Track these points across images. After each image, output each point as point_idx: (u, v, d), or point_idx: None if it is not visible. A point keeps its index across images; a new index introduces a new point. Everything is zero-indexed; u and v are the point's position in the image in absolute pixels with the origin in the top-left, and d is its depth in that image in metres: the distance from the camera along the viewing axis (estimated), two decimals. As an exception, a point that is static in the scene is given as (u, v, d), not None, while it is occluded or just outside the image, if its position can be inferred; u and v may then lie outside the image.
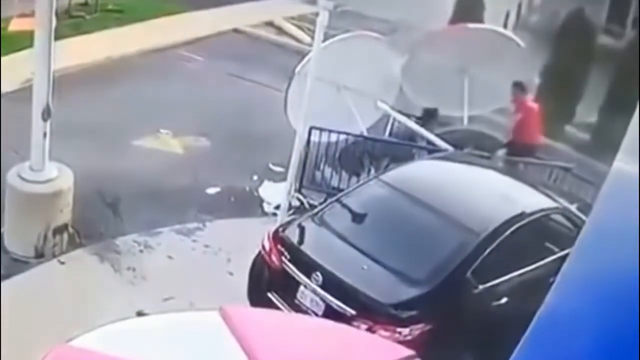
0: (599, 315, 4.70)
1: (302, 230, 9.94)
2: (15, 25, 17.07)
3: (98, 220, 11.99)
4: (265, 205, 13.27)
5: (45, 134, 10.71)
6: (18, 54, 15.50)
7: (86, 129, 14.02)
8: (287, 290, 9.45)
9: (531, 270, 9.71)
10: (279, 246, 9.61)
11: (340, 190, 11.57)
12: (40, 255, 11.03)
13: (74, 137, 13.08)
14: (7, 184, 10.93)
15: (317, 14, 10.95)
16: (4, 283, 10.48)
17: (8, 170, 11.09)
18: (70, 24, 18.35)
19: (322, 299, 9.10)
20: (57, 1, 10.52)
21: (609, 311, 4.70)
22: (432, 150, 13.28)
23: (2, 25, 16.89)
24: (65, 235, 11.23)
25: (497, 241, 9.49)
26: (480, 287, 9.28)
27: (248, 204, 13.27)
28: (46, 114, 10.58)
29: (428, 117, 15.32)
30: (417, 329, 8.71)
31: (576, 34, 17.27)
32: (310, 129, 12.83)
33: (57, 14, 10.60)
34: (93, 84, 16.05)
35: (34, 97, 10.61)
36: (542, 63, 17.43)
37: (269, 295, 9.60)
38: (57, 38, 10.61)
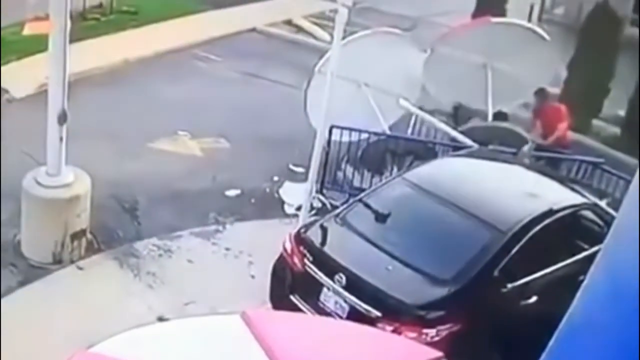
0: (631, 316, 4.50)
1: (324, 231, 9.81)
2: (30, 29, 16.99)
3: (116, 224, 11.95)
4: (286, 207, 13.17)
5: (61, 138, 10.66)
6: (33, 57, 15.47)
7: (103, 132, 14.01)
8: (310, 293, 9.33)
9: (560, 268, 9.56)
10: (301, 248, 9.50)
11: (363, 190, 11.44)
12: (58, 261, 10.98)
13: (90, 140, 13.04)
14: (24, 190, 10.85)
15: (336, 11, 10.79)
16: (23, 290, 10.49)
17: (25, 176, 10.98)
18: (85, 26, 18.32)
19: (346, 301, 8.99)
20: (72, 3, 10.38)
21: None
22: (456, 148, 13.08)
23: (17, 29, 16.83)
24: (84, 241, 11.17)
25: (525, 239, 9.35)
26: (509, 285, 9.16)
27: (269, 206, 13.17)
28: (62, 118, 10.52)
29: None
30: (444, 330, 8.59)
31: (602, 25, 17.02)
32: (331, 128, 12.69)
33: (71, 17, 10.52)
34: (109, 86, 16.05)
35: (49, 101, 10.58)
36: (568, 56, 17.21)
37: (292, 298, 9.50)
38: (72, 41, 10.54)
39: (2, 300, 9.93)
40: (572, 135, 14.97)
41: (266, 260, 10.18)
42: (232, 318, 6.46)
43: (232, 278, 11.06)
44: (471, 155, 12.09)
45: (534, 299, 9.30)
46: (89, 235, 11.29)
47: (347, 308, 8.97)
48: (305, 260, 9.39)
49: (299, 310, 9.21)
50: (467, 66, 14.94)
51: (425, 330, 8.50)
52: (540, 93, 14.69)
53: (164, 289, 10.80)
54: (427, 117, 14.80)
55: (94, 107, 14.47)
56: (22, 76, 15.11)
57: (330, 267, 9.16)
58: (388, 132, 14.29)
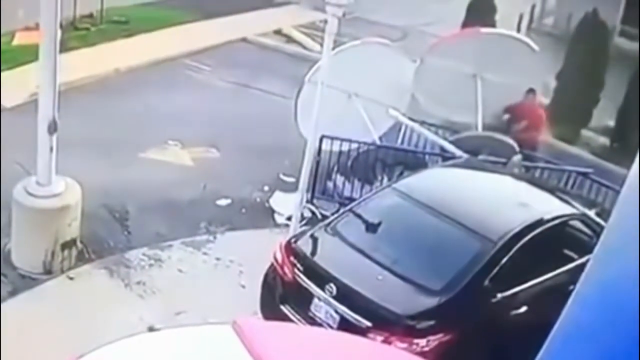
0: (621, 324, 4.51)
1: (314, 241, 9.79)
2: (20, 39, 17.05)
3: (107, 234, 11.89)
4: (276, 217, 13.16)
5: (51, 148, 10.61)
6: (23, 67, 15.47)
7: (93, 142, 13.97)
8: (301, 303, 9.31)
9: (550, 278, 9.57)
10: (292, 258, 9.47)
11: (353, 200, 11.45)
12: (48, 271, 10.91)
13: (81, 150, 13.00)
14: (14, 199, 10.81)
15: (325, 22, 10.80)
16: (13, 300, 10.42)
17: (15, 186, 10.94)
18: (75, 36, 18.34)
19: (337, 311, 8.96)
20: (62, 13, 10.36)
21: (630, 320, 4.52)
22: (446, 158, 13.10)
23: (7, 39, 16.85)
24: (74, 250, 11.12)
25: (515, 249, 9.34)
26: (499, 295, 9.14)
27: (259, 216, 13.14)
28: (52, 128, 10.47)
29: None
30: (435, 340, 8.55)
31: (591, 36, 17.11)
32: (321, 137, 12.68)
33: (62, 26, 10.50)
34: (100, 96, 16.02)
35: (39, 110, 10.52)
36: (556, 66, 17.27)
37: (283, 308, 9.46)
38: (62, 51, 10.54)
39: (-9, 310, 9.92)
40: (557, 144, 15.09)
41: (257, 270, 10.14)
42: (223, 328, 6.45)
43: (223, 288, 11.03)
44: (461, 165, 12.10)
45: (524, 308, 9.29)
46: (79, 245, 11.23)
47: (337, 318, 8.94)
48: (296, 270, 9.36)
49: (289, 320, 9.17)
50: (456, 76, 14.96)
51: (415, 340, 8.46)
52: (531, 92, 14.89)
53: (155, 298, 10.76)
54: (417, 127, 14.82)
55: (84, 116, 14.44)
56: (13, 85, 15.06)
57: (321, 277, 9.13)
58: (378, 142, 14.31)
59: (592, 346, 4.63)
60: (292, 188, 13.03)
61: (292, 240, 9.82)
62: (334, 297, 8.96)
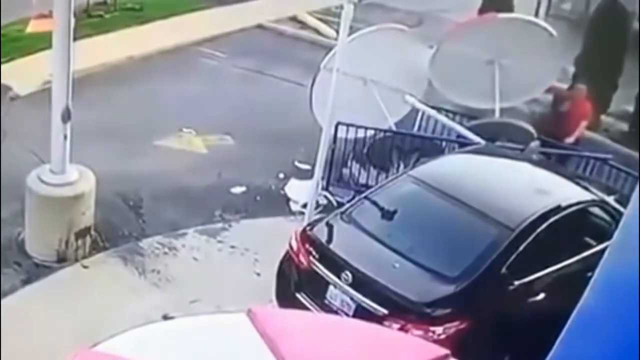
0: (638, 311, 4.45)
1: (330, 228, 9.75)
2: (34, 27, 16.99)
3: (121, 222, 11.90)
4: (292, 204, 13.11)
5: (65, 136, 10.62)
6: (37, 55, 15.44)
7: (107, 129, 13.95)
8: (316, 291, 9.29)
9: (568, 265, 9.52)
10: (307, 245, 9.45)
11: (369, 187, 11.40)
12: (62, 260, 10.93)
13: (94, 138, 12.98)
14: (28, 188, 10.81)
15: (341, 8, 10.73)
16: (27, 288, 10.45)
17: (29, 174, 10.92)
18: (89, 23, 18.32)
19: (353, 299, 8.94)
20: (76, 0, 10.34)
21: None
22: (463, 144, 13.01)
23: (21, 27, 16.83)
24: (88, 239, 11.13)
25: (533, 236, 9.29)
26: (516, 283, 9.11)
27: (274, 203, 13.11)
28: (66, 116, 10.49)
29: None
30: (451, 328, 8.54)
31: (610, 20, 16.94)
32: (337, 124, 12.63)
33: (75, 14, 10.50)
34: (114, 84, 16.00)
35: (53, 98, 10.54)
36: (575, 52, 17.12)
37: (298, 295, 9.45)
38: (76, 38, 10.53)
39: (6, 299, 9.91)
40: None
41: (272, 258, 10.13)
42: (237, 316, 6.39)
43: (238, 276, 11.01)
44: (478, 151, 12.03)
45: (541, 296, 9.27)
46: (93, 233, 11.24)
47: (353, 306, 8.92)
48: (311, 258, 9.34)
49: (305, 308, 9.17)
50: (473, 62, 14.86)
51: (432, 328, 8.45)
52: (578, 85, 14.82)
53: (169, 287, 10.76)
54: (434, 113, 14.73)
55: (98, 104, 14.43)
56: (26, 73, 15.07)
57: (337, 265, 9.11)
58: (394, 128, 14.23)
59: (610, 335, 4.59)
60: (308, 175, 12.98)
61: (308, 228, 9.79)
62: (350, 285, 8.94)
